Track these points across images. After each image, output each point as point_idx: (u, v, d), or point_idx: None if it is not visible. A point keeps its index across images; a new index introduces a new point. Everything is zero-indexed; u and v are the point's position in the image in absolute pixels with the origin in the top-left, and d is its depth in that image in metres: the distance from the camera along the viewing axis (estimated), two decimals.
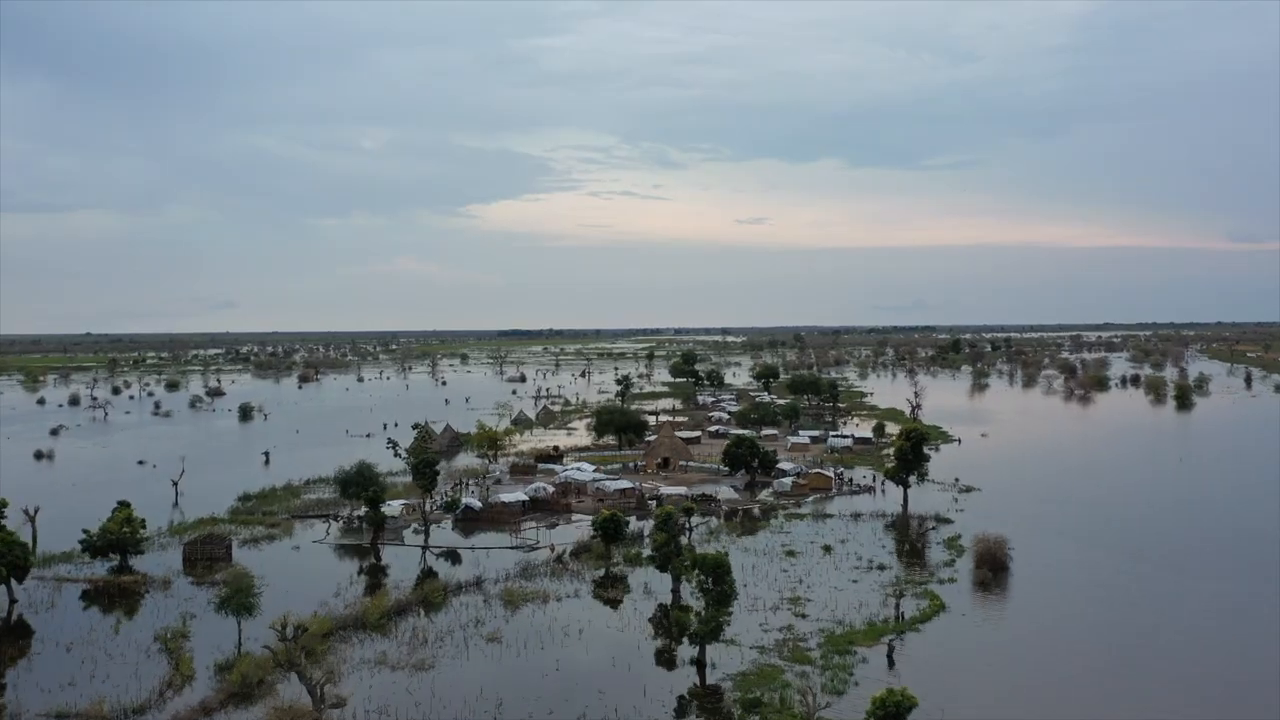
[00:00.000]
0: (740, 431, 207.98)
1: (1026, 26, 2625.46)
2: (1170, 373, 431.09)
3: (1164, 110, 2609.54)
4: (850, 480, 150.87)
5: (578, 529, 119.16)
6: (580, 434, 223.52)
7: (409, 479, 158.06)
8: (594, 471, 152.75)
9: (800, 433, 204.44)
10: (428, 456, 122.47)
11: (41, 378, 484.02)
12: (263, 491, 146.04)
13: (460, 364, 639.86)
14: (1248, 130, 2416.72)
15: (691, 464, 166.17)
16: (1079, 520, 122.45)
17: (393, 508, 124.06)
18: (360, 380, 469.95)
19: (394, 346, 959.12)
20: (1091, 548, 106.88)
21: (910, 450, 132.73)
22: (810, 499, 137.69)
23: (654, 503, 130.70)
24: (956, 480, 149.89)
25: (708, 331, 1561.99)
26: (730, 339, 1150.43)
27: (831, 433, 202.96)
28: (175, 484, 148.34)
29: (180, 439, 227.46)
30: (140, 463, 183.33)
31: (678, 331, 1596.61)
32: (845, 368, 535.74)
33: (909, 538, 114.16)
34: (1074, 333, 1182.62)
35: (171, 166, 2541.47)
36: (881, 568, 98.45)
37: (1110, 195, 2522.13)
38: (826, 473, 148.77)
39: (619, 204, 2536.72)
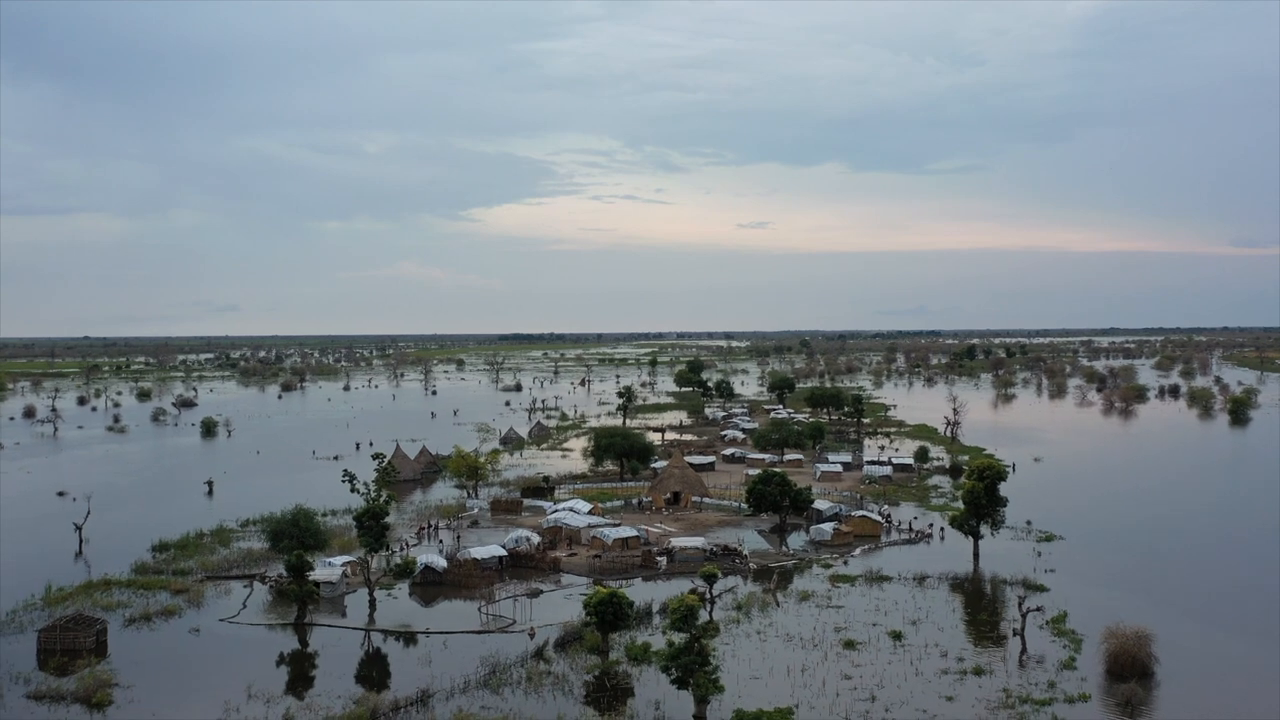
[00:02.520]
0: (759, 455, 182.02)
1: (1031, 31, 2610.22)
2: (1203, 382, 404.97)
3: (1167, 115, 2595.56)
4: (910, 526, 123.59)
5: (567, 598, 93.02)
6: (577, 456, 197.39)
7: None
8: (589, 513, 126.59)
9: (829, 458, 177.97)
10: (374, 506, 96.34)
11: (10, 385, 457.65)
12: (185, 538, 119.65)
13: (456, 370, 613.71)
14: (1250, 135, 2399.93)
15: (706, 500, 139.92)
16: (1212, 592, 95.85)
17: (333, 568, 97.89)
18: (346, 389, 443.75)
19: (390, 351, 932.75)
20: (1253, 640, 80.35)
21: (984, 493, 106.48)
22: (856, 551, 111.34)
23: (664, 559, 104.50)
24: (1029, 524, 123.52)
25: (710, 336, 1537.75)
26: (734, 344, 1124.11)
27: (867, 459, 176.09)
28: (79, 528, 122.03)
29: (123, 461, 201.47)
30: (60, 494, 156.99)
31: (680, 336, 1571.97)
32: (857, 375, 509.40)
33: (989, 609, 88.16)
34: (1079, 338, 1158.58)
35: (175, 170, 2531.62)
36: (979, 672, 72.07)
37: (1113, 200, 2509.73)
38: (874, 515, 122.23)
39: (621, 208, 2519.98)
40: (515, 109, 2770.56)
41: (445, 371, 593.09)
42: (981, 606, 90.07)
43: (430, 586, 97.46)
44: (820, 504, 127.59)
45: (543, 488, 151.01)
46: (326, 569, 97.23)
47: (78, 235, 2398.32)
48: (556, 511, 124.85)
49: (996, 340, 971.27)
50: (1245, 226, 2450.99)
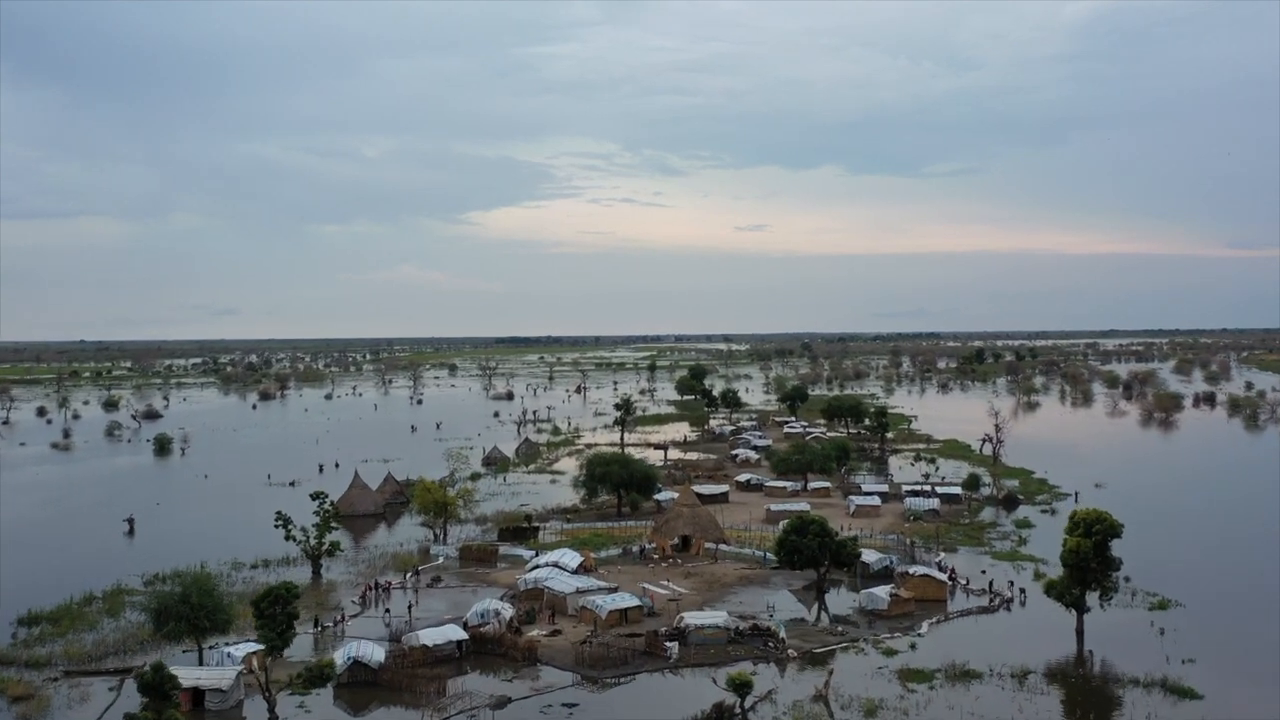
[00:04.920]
0: (779, 482, 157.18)
1: (1028, 35, 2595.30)
2: (1231, 387, 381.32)
3: (1164, 117, 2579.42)
4: (989, 587, 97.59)
5: (544, 711, 68.05)
6: (568, 480, 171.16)
7: (311, 569, 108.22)
8: (579, 568, 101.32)
9: (863, 487, 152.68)
10: (279, 588, 70.97)
11: None
12: (66, 606, 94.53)
13: (448, 376, 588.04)
14: (1247, 137, 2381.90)
15: (723, 546, 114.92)
16: None
17: (231, 662, 73.00)
18: (329, 397, 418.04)
19: (384, 355, 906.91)
20: None
21: (1093, 553, 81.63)
22: (923, 626, 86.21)
23: (674, 645, 79.41)
24: (1128, 581, 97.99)
25: (709, 338, 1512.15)
26: (734, 347, 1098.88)
27: (906, 487, 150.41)
28: None
29: (48, 488, 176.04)
30: None
31: (678, 338, 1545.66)
32: (866, 381, 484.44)
33: None
34: (1079, 340, 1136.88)
35: (174, 173, 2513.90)
36: None
37: (1110, 202, 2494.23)
38: (937, 574, 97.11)
39: (619, 211, 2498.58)
40: (514, 113, 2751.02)
41: (436, 377, 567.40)
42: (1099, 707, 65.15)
43: (362, 688, 72.44)
44: (867, 555, 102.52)
45: (524, 528, 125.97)
46: (221, 666, 72.36)
47: (78, 239, 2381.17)
48: (538, 567, 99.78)
49: (999, 343, 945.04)
50: (1242, 229, 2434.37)
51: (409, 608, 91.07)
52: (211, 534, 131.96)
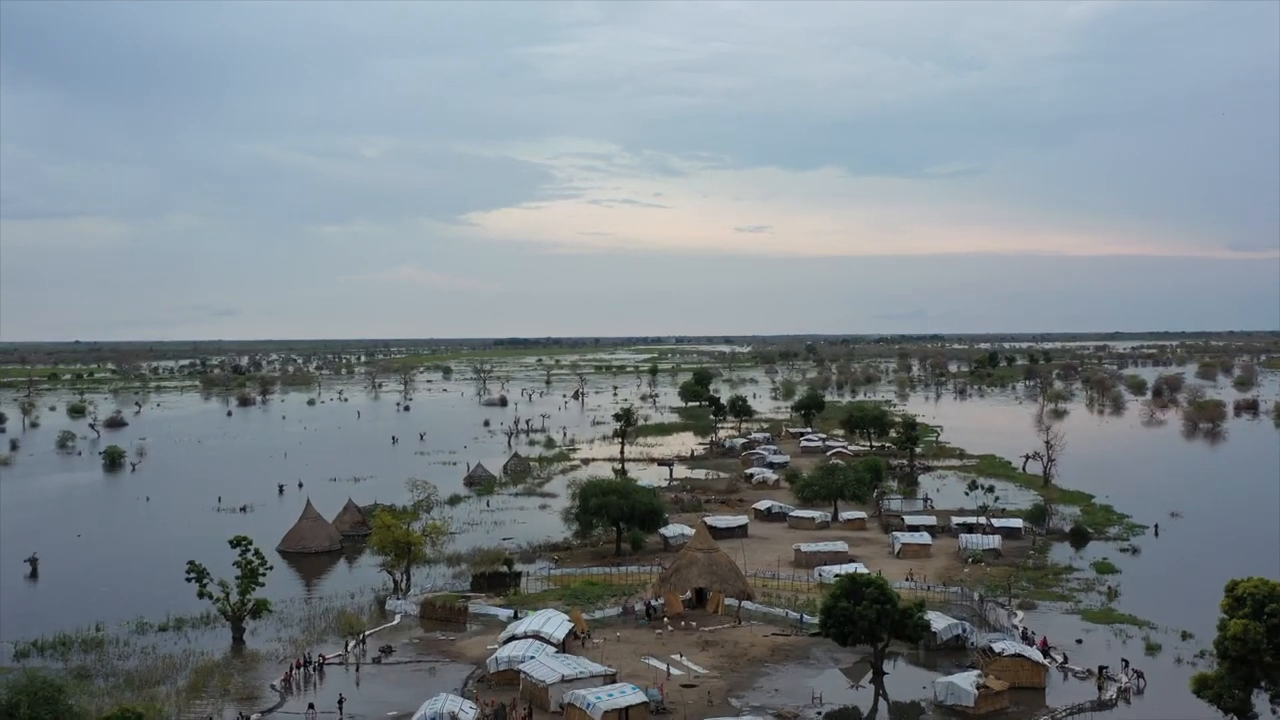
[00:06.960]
0: (807, 512, 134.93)
1: (1030, 35, 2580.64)
2: (1263, 392, 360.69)
3: (1165, 119, 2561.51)
4: (1098, 670, 75.29)
5: None
6: (558, 506, 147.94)
7: (231, 634, 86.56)
8: (568, 636, 79.26)
9: (905, 517, 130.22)
10: (126, 715, 48.79)
11: None
12: None
13: (441, 379, 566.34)
14: (1248, 139, 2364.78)
15: (746, 604, 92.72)
16: None
17: None
18: (311, 403, 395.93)
19: (380, 357, 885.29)
20: None
21: (1266, 639, 59.72)
22: None
23: None
24: None
25: (709, 340, 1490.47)
26: (736, 349, 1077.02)
27: (956, 520, 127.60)
28: None
29: None
30: None
31: (679, 340, 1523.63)
32: (877, 386, 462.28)
33: None
34: (1084, 342, 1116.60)
35: (173, 174, 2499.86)
36: None
37: (1111, 204, 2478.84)
38: (1030, 651, 74.68)
39: (620, 212, 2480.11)
40: (514, 113, 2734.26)
41: (428, 381, 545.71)
42: None
43: None
44: (935, 620, 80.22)
45: (503, 574, 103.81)
46: None
47: (77, 239, 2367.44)
48: (513, 640, 77.43)
49: (1005, 345, 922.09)
50: (1243, 230, 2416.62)
51: (339, 702, 68.59)
52: (130, 577, 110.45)
